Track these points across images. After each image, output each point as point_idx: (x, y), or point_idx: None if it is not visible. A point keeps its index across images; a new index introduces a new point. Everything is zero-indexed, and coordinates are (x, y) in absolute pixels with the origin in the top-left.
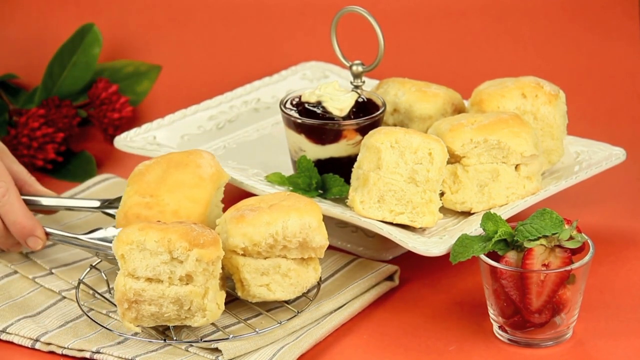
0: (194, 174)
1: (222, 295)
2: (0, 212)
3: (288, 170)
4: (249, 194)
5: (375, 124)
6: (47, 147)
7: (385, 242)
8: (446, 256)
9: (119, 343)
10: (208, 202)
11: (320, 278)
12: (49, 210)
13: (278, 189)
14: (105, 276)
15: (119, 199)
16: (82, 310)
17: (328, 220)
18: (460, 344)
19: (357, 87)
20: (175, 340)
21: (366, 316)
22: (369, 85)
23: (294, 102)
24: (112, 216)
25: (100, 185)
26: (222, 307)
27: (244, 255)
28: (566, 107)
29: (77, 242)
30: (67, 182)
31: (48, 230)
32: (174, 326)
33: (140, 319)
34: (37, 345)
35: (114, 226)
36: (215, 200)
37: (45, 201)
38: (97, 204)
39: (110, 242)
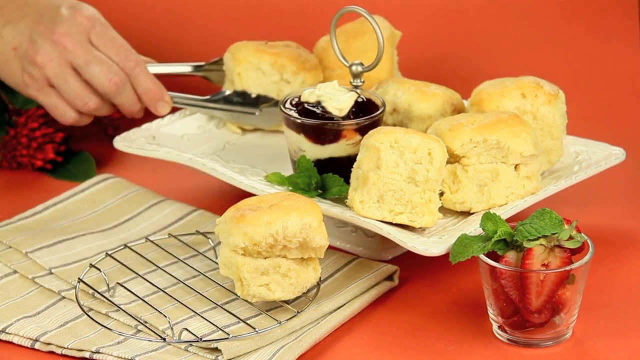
0: (372, 39)
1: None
2: (134, 81)
3: (288, 170)
4: (249, 194)
5: (374, 124)
6: (47, 147)
7: (384, 242)
8: (446, 256)
9: (118, 343)
10: (392, 60)
11: (320, 278)
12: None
13: (278, 189)
14: (105, 275)
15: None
16: (82, 310)
17: (328, 220)
18: (460, 343)
19: (356, 87)
20: (175, 340)
21: (366, 316)
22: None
23: (294, 102)
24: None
25: (100, 185)
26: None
27: (243, 255)
28: (566, 107)
29: (201, 105)
30: (67, 182)
31: (172, 94)
32: (173, 325)
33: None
34: (37, 345)
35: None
36: (393, 56)
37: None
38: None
39: (234, 102)
